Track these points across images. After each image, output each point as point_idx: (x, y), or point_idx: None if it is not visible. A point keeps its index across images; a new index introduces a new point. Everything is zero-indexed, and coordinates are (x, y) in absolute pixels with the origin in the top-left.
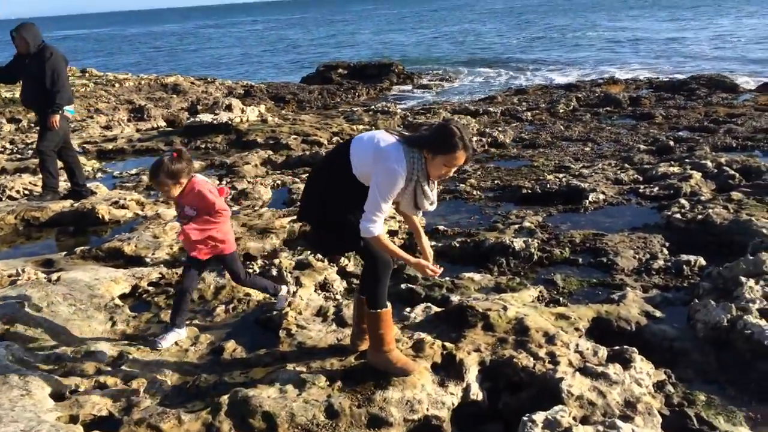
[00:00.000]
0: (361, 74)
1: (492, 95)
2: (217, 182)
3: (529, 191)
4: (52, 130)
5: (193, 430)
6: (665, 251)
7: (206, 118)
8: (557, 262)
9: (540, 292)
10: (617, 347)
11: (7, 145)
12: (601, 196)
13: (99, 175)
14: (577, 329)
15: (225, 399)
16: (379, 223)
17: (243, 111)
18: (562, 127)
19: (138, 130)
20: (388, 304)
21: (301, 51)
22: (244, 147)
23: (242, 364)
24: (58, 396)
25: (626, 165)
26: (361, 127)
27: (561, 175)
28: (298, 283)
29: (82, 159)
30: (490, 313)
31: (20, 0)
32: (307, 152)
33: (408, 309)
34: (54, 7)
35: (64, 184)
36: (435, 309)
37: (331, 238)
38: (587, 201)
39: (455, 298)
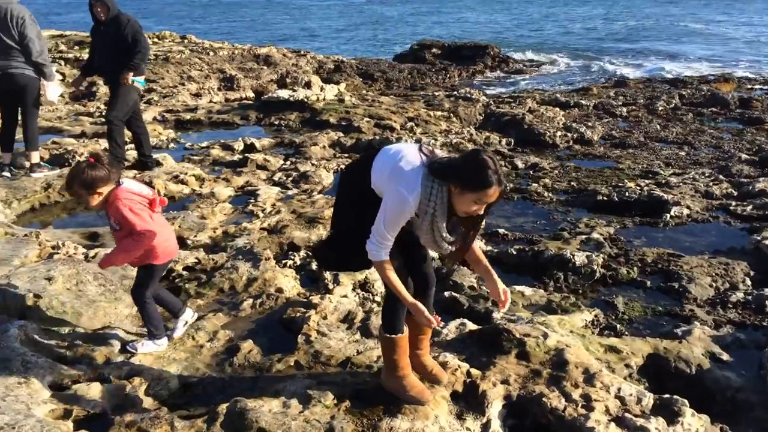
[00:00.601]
0: (455, 55)
1: (587, 86)
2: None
3: (605, 198)
4: (122, 96)
5: None
6: (748, 282)
7: (283, 94)
8: (622, 282)
9: (596, 316)
10: (666, 396)
11: (101, 107)
12: (686, 211)
13: (172, 145)
14: (627, 366)
15: (223, 408)
16: (386, 250)
17: (322, 89)
18: (658, 126)
19: (227, 100)
20: (406, 329)
21: (398, 27)
22: (316, 126)
23: (254, 368)
24: (57, 386)
25: (721, 176)
26: (438, 113)
27: (644, 183)
28: (336, 280)
29: (159, 128)
30: (527, 339)
31: None
32: (378, 136)
33: (442, 324)
34: None
35: (133, 153)
36: (470, 327)
37: (342, 251)
38: (668, 215)
39: (498, 315)
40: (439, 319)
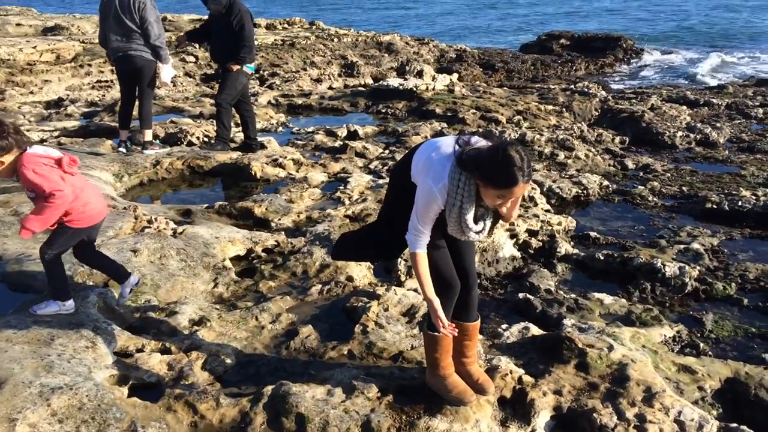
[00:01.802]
0: (585, 47)
1: (723, 84)
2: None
3: (715, 206)
4: (231, 81)
5: (228, 416)
6: None
7: (393, 83)
8: (716, 298)
9: (678, 332)
10: (733, 426)
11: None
12: None
13: (280, 129)
14: (700, 388)
15: (269, 390)
16: (421, 241)
17: (434, 78)
18: None
19: (345, 86)
20: None
21: (534, 15)
22: (422, 116)
23: (308, 353)
24: (122, 353)
25: None
26: (550, 107)
27: (761, 192)
28: (409, 273)
29: (271, 112)
30: (589, 350)
31: None
32: (481, 128)
33: (504, 326)
34: None
35: (240, 135)
36: (534, 331)
37: (391, 240)
38: None
39: (569, 322)
40: (453, 327)
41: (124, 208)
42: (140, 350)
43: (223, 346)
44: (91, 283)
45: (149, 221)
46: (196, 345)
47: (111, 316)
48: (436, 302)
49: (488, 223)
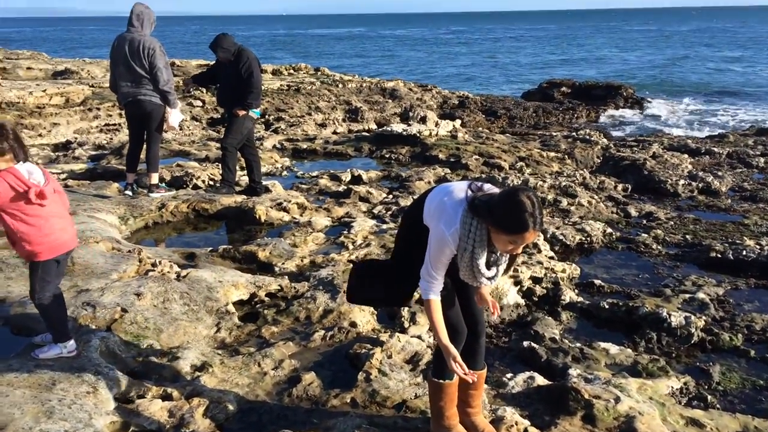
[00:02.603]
0: (585, 95)
1: (724, 133)
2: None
3: (719, 255)
4: (237, 125)
5: None
6: None
7: (397, 128)
8: (723, 349)
9: (685, 383)
10: None
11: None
12: None
13: (284, 173)
14: None
15: None
16: (434, 288)
17: (437, 124)
18: None
19: (349, 131)
20: (456, 377)
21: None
22: (425, 161)
23: (311, 401)
24: (124, 399)
25: None
26: (552, 154)
27: (765, 241)
28: (413, 319)
29: (276, 156)
30: (596, 402)
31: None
32: (484, 174)
33: (509, 375)
34: (323, 5)
35: (245, 178)
36: (539, 381)
37: (401, 285)
38: None
39: (575, 372)
40: (473, 373)
41: (129, 251)
42: (141, 396)
43: (224, 393)
44: (93, 327)
45: (153, 264)
46: (197, 391)
47: (113, 361)
48: (452, 348)
49: (501, 269)
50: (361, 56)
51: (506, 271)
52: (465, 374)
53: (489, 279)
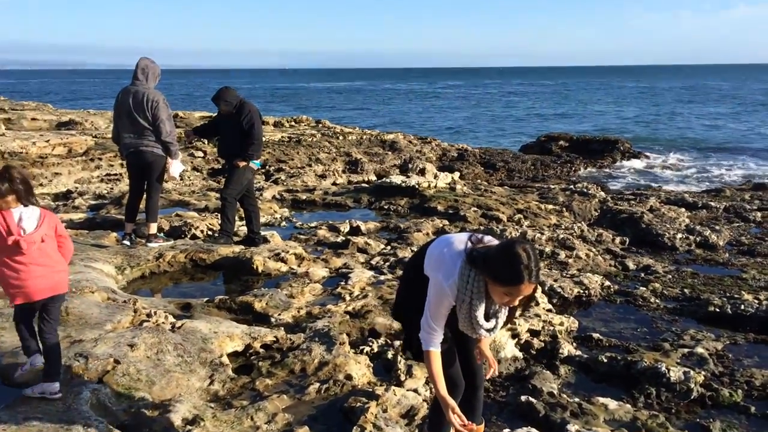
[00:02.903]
0: (583, 148)
1: (720, 188)
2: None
3: (718, 309)
4: (237, 176)
5: None
6: None
7: (396, 180)
8: (723, 405)
9: None
10: None
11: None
12: None
13: (283, 224)
14: None
15: None
16: (434, 339)
17: (435, 176)
18: None
19: (349, 182)
20: (452, 430)
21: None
22: (424, 213)
23: None
24: None
25: None
26: (550, 206)
27: (763, 296)
28: (409, 372)
29: (275, 206)
30: None
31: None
32: (482, 226)
33: (506, 431)
34: (323, 60)
35: (244, 229)
36: None
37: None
38: None
39: (573, 428)
40: (472, 425)
41: (124, 301)
42: None
43: None
44: (85, 378)
45: (148, 315)
46: None
47: (103, 414)
48: (450, 399)
49: (500, 321)
50: (361, 109)
51: (505, 323)
52: (463, 426)
53: (488, 331)
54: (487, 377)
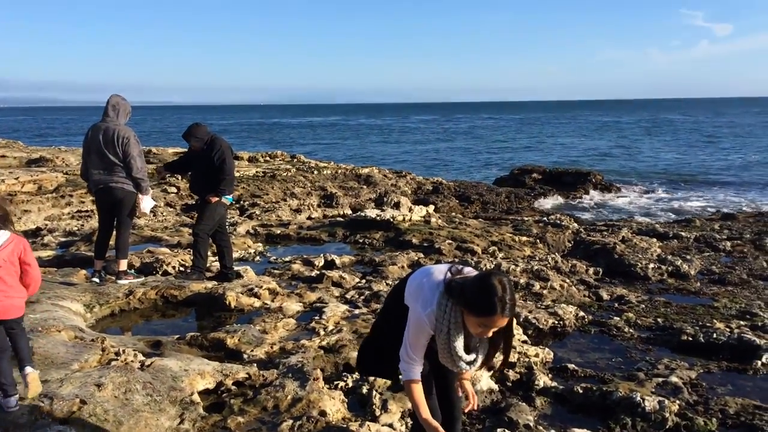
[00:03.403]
0: (556, 181)
1: (690, 218)
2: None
3: (691, 338)
4: (209, 211)
5: None
6: None
7: (371, 213)
8: None
9: None
10: None
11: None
12: None
13: (257, 258)
14: None
15: None
16: (414, 369)
17: (410, 210)
18: (765, 263)
19: (324, 216)
20: None
21: (502, 151)
22: (399, 246)
23: None
24: None
25: None
26: (524, 238)
27: (736, 324)
28: (384, 407)
29: (249, 241)
30: None
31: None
32: (457, 259)
33: None
34: (308, 95)
35: (216, 264)
36: None
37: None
38: (760, 362)
39: None
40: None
41: (92, 339)
42: None
43: None
44: (49, 420)
45: (117, 353)
46: None
47: None
48: (434, 422)
49: (480, 355)
50: (335, 144)
51: (486, 360)
52: None
53: (468, 364)
54: (466, 410)
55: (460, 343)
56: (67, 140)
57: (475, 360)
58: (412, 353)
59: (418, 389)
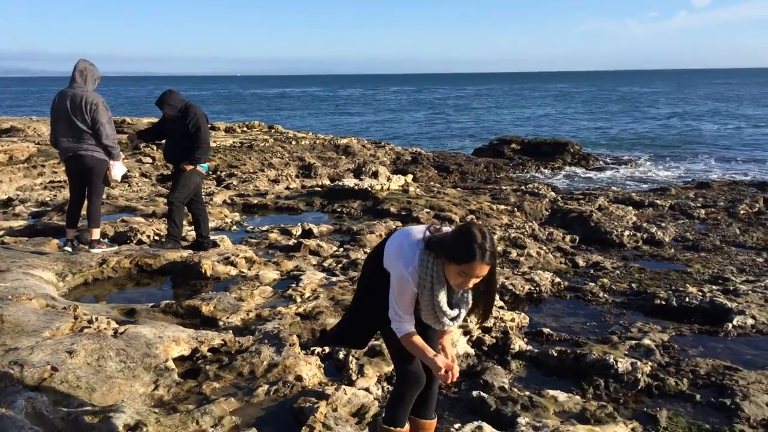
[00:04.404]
0: (534, 151)
1: (666, 186)
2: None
3: (664, 302)
4: (184, 180)
5: None
6: None
7: (348, 182)
8: (669, 394)
9: (632, 429)
10: None
11: None
12: (750, 321)
13: (234, 228)
14: None
15: None
16: (405, 324)
17: (389, 179)
18: (737, 230)
19: (303, 186)
20: (407, 425)
21: (483, 123)
22: (377, 215)
23: None
24: None
25: None
26: (502, 207)
27: (708, 288)
28: (361, 371)
29: (226, 211)
30: None
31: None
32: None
33: (457, 425)
34: (281, 68)
35: (192, 233)
36: (487, 431)
37: (359, 326)
38: (731, 324)
39: (523, 421)
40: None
41: (64, 308)
42: None
43: None
44: (19, 387)
45: (89, 321)
46: None
47: (39, 422)
48: (438, 359)
49: (463, 311)
50: (315, 115)
51: (470, 312)
52: (446, 378)
53: (451, 320)
54: (448, 382)
55: (443, 298)
56: (39, 111)
57: (458, 316)
58: (401, 311)
59: (417, 338)
